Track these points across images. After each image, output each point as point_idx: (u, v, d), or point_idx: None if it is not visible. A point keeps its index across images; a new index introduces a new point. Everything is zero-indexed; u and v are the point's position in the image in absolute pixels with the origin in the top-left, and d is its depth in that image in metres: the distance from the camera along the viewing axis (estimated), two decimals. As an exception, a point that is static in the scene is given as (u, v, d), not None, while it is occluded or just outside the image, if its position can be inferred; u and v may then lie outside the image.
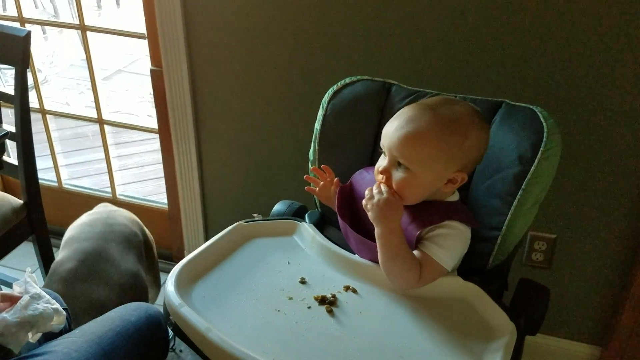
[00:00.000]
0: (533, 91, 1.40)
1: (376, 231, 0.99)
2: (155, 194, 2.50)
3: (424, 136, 0.96)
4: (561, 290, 1.62)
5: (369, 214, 0.99)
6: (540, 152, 1.02)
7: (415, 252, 1.00)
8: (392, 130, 0.99)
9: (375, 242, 1.01)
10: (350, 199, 1.13)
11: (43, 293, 1.02)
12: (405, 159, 0.98)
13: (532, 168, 1.02)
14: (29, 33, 1.45)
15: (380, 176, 1.01)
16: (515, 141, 1.05)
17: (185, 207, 1.93)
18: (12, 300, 1.01)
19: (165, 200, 2.03)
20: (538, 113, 1.06)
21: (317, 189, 1.18)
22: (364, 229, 1.06)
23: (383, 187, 0.99)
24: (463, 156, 0.98)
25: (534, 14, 1.32)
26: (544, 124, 1.04)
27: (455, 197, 1.06)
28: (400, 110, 1.02)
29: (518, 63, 1.38)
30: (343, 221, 1.10)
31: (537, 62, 1.37)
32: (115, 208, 1.60)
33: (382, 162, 1.02)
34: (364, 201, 1.01)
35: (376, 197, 0.98)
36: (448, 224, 1.00)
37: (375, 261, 1.03)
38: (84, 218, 1.57)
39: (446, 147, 0.97)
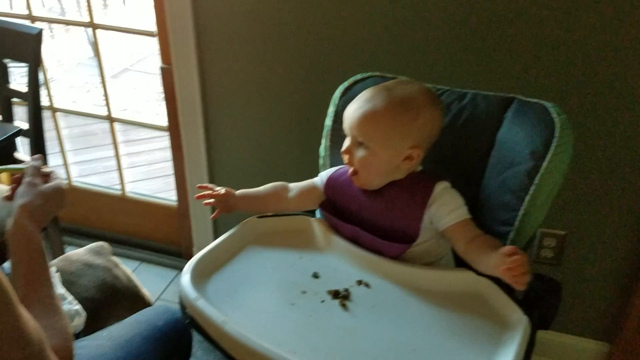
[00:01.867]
0: (545, 87, 1.40)
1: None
2: (164, 191, 2.51)
3: (379, 114, 1.03)
4: (569, 287, 1.62)
5: (519, 279, 0.89)
6: (552, 147, 1.02)
7: (449, 227, 1.04)
8: (351, 112, 1.06)
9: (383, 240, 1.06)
10: (333, 209, 1.15)
11: (67, 293, 1.03)
12: (364, 137, 1.04)
13: (545, 163, 1.02)
14: (40, 31, 1.46)
15: (345, 156, 1.08)
16: (528, 137, 1.06)
17: (194, 204, 1.94)
18: None
19: (174, 197, 2.04)
20: (550, 109, 1.07)
21: (218, 209, 1.18)
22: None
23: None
24: (417, 132, 1.04)
25: (546, 7, 1.32)
26: (556, 119, 1.05)
27: (420, 167, 1.12)
28: (359, 94, 1.08)
29: (531, 58, 1.38)
30: (339, 221, 1.11)
31: (550, 56, 1.37)
32: (94, 262, 1.30)
33: (345, 143, 1.08)
34: (508, 274, 0.89)
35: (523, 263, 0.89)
36: (438, 189, 1.05)
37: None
38: (71, 259, 1.31)
39: (400, 123, 1.03)
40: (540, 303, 1.04)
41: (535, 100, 1.11)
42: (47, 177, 0.99)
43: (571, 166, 1.07)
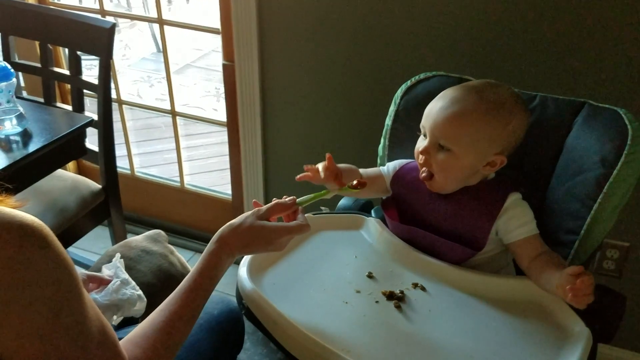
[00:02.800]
0: (617, 92, 1.34)
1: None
2: (219, 185, 2.56)
3: (470, 116, 0.98)
4: (631, 301, 1.55)
5: (581, 300, 0.86)
6: (623, 155, 0.99)
7: (516, 241, 1.01)
8: (435, 111, 1.00)
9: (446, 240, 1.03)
10: (396, 202, 1.13)
11: (130, 279, 1.07)
12: (448, 139, 0.99)
13: (615, 171, 0.99)
14: (113, 25, 1.52)
15: (421, 157, 1.02)
16: (598, 143, 1.02)
17: (249, 199, 1.97)
18: (100, 282, 1.07)
19: (228, 191, 2.08)
20: (622, 115, 1.03)
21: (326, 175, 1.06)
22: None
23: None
24: (505, 138, 0.99)
25: (617, 15, 1.27)
26: (629, 126, 1.01)
27: (493, 174, 1.07)
28: (444, 92, 1.03)
29: (603, 62, 1.33)
30: (399, 223, 1.09)
31: (623, 61, 1.31)
32: (151, 249, 1.33)
33: (422, 142, 1.03)
34: (571, 294, 0.86)
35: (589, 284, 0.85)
36: (510, 200, 1.02)
37: (439, 257, 1.04)
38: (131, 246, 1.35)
39: (490, 128, 0.98)
40: (603, 315, 1.00)
41: (607, 105, 1.07)
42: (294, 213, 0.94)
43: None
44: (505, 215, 1.01)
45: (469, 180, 1.04)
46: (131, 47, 4.49)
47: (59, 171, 1.69)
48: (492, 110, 0.98)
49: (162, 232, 1.41)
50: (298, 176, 1.06)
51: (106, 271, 1.10)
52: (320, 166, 1.04)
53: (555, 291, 0.91)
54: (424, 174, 1.04)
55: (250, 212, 0.90)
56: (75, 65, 1.62)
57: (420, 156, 1.02)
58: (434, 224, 1.07)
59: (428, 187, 1.05)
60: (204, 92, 3.79)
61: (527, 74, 1.41)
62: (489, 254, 1.04)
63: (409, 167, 1.13)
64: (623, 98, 1.34)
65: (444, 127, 0.98)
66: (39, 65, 1.69)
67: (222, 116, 1.95)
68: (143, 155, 2.99)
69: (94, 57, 1.57)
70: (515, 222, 1.00)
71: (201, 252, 2.27)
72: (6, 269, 0.58)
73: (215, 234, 0.88)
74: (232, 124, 1.90)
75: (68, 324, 0.63)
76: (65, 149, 1.41)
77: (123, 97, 2.13)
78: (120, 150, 2.21)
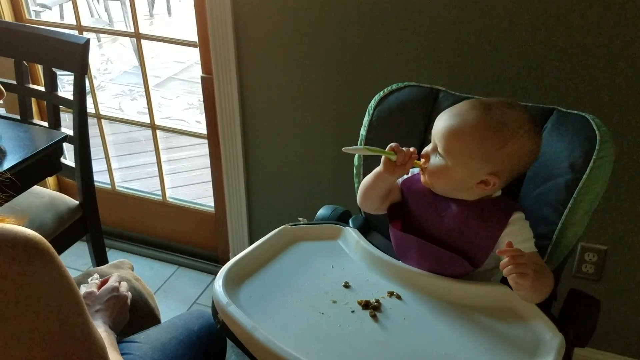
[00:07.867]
0: (586, 98, 1.37)
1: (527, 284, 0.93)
2: (203, 197, 2.56)
3: (465, 132, 0.97)
4: (611, 304, 1.57)
5: (521, 282, 0.91)
6: (592, 160, 1.00)
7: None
8: (440, 121, 1.01)
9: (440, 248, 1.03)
10: (402, 209, 1.12)
11: None
12: (442, 149, 0.99)
13: (584, 176, 1.00)
14: (87, 41, 1.51)
15: (422, 161, 1.03)
16: (567, 149, 1.03)
17: (231, 211, 1.97)
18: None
19: (212, 204, 2.07)
20: (591, 121, 1.04)
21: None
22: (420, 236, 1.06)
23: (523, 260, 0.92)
24: (500, 160, 0.97)
25: (587, 21, 1.29)
26: (597, 131, 1.02)
27: (499, 192, 1.06)
28: (456, 104, 1.03)
29: (571, 68, 1.35)
30: (402, 233, 1.07)
31: (592, 67, 1.33)
32: (108, 273, 1.29)
33: (428, 147, 1.04)
34: (506, 270, 0.91)
35: (530, 271, 0.91)
36: (513, 219, 1.00)
37: (438, 270, 1.03)
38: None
39: (484, 146, 0.96)
40: (577, 320, 1.01)
41: (576, 111, 1.08)
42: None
43: (614, 178, 1.04)
44: (505, 232, 1.00)
45: (463, 194, 1.03)
46: (113, 61, 4.48)
47: (36, 188, 1.68)
48: (491, 129, 0.96)
49: (127, 261, 1.37)
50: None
51: (84, 290, 1.10)
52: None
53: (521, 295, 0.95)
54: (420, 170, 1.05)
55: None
56: (50, 81, 1.61)
57: (422, 159, 1.03)
58: (436, 236, 1.05)
59: (422, 181, 1.06)
60: (186, 105, 3.78)
61: (496, 81, 1.43)
62: (483, 269, 1.04)
63: (418, 177, 1.10)
64: (591, 104, 1.36)
65: (441, 137, 0.99)
66: (14, 82, 1.68)
67: (205, 128, 1.94)
68: (126, 169, 2.98)
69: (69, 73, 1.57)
70: (513, 238, 0.98)
71: (184, 266, 2.26)
72: (15, 284, 0.59)
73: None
74: (213, 137, 1.90)
75: (74, 331, 0.65)
76: (40, 165, 1.40)
77: (105, 111, 2.12)
78: (101, 165, 2.21)
